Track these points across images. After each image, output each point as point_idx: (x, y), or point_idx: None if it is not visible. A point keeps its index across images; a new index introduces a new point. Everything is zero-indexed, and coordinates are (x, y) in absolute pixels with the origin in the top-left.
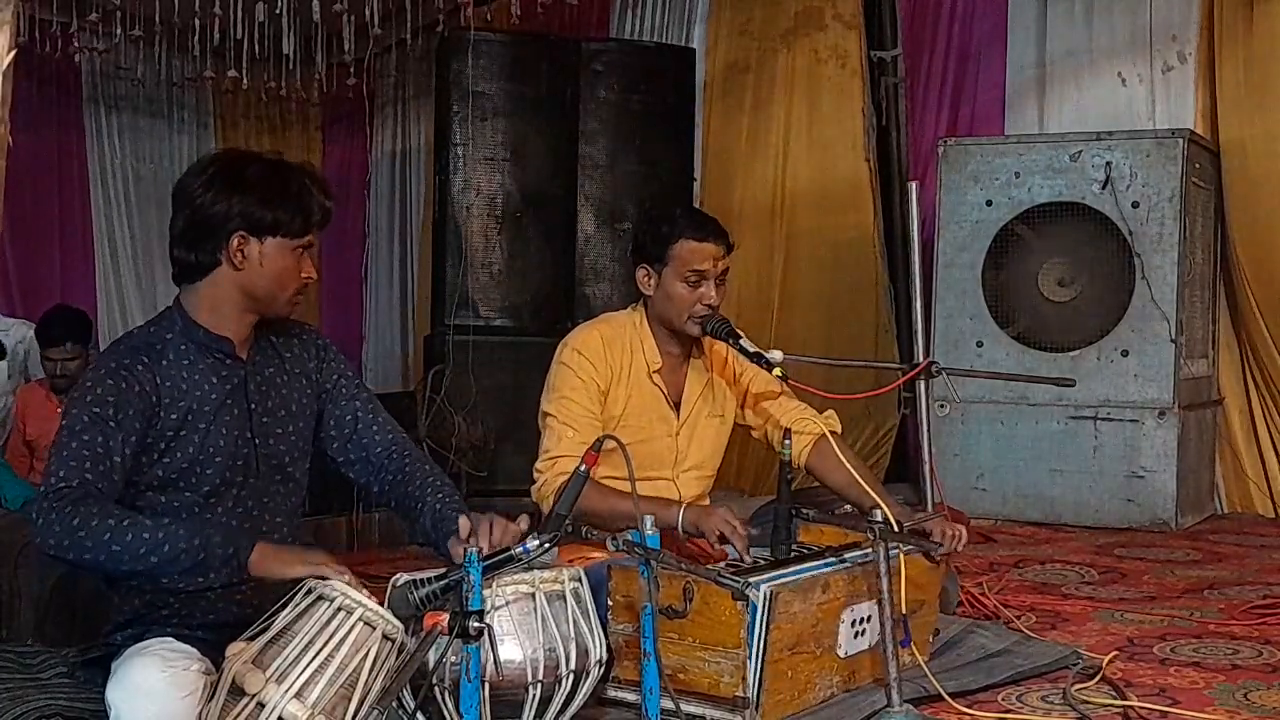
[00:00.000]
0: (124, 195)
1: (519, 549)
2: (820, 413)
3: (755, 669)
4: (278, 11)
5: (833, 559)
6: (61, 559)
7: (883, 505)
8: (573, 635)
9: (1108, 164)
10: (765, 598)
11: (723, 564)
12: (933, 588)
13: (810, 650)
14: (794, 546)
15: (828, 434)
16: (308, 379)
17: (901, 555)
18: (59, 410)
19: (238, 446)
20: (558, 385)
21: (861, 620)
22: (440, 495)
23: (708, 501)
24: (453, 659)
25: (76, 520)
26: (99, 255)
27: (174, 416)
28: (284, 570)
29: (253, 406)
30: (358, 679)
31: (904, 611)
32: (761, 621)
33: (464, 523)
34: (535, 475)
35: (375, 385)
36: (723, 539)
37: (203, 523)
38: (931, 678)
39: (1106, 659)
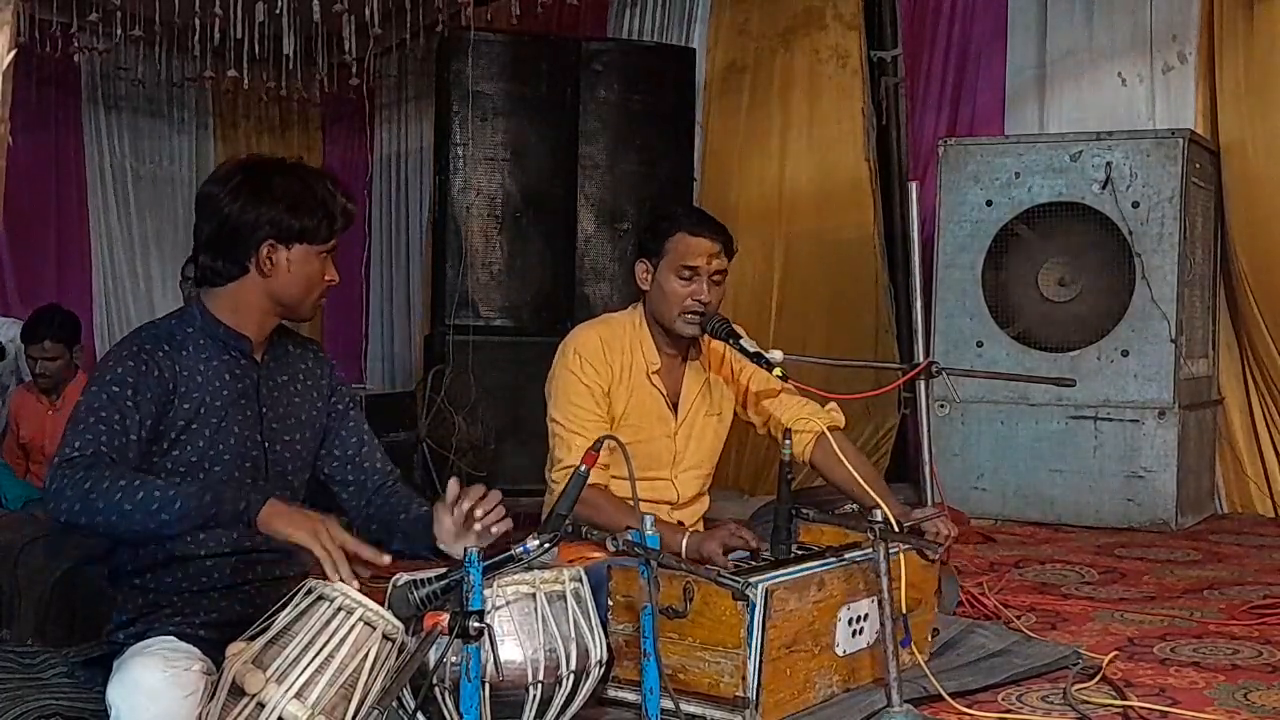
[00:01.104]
0: (122, 196)
1: (519, 549)
2: (823, 407)
3: (754, 667)
4: (278, 11)
5: (832, 559)
6: (74, 524)
7: (882, 504)
8: (573, 635)
9: (1108, 164)
10: (761, 595)
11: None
12: (929, 586)
13: (808, 648)
14: (795, 546)
15: (827, 431)
16: (319, 393)
17: (902, 555)
18: (50, 412)
19: (247, 448)
20: (562, 391)
21: (859, 619)
22: (425, 509)
23: (707, 500)
24: (453, 659)
25: (89, 484)
26: (96, 255)
27: (186, 407)
28: (289, 530)
29: (264, 410)
30: (358, 679)
31: (904, 611)
32: (759, 619)
33: (453, 484)
34: (551, 484)
35: (375, 385)
36: (728, 551)
37: (213, 479)
38: (931, 678)
39: (1106, 659)
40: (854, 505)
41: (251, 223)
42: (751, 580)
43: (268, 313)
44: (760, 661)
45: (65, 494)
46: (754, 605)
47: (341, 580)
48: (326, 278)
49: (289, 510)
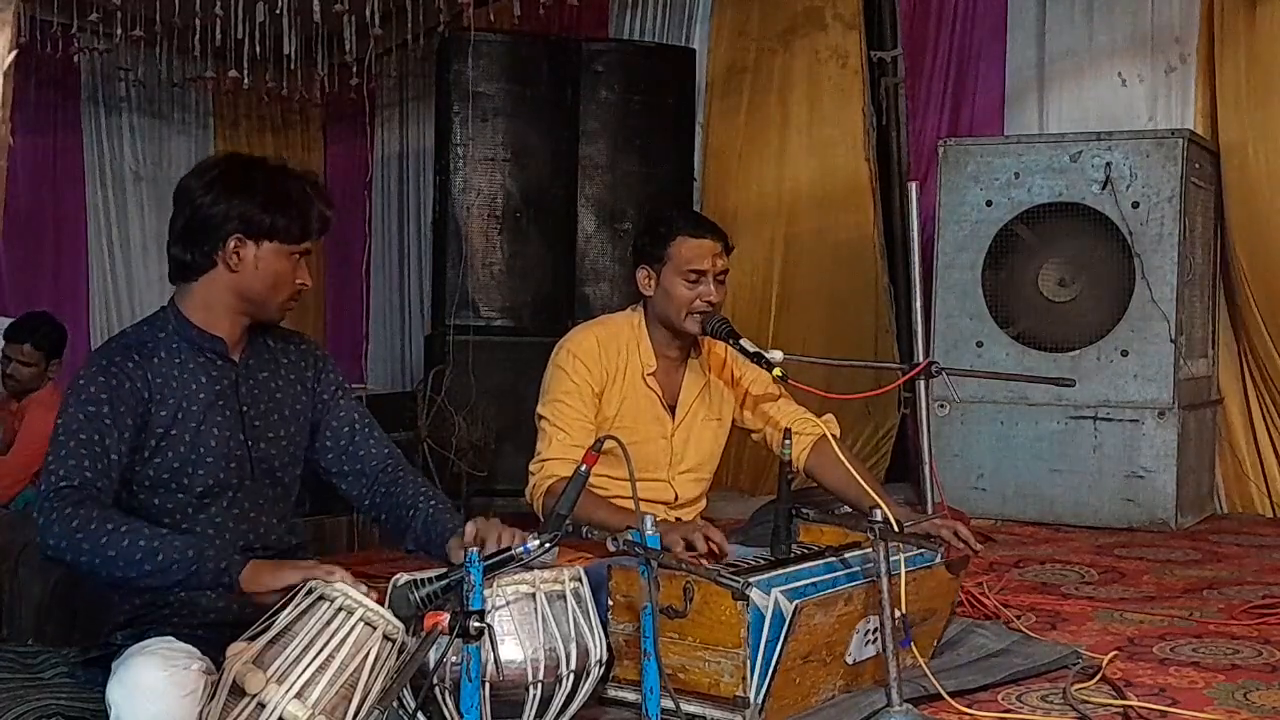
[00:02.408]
0: (121, 196)
1: (519, 549)
2: (819, 416)
3: (767, 677)
4: (278, 12)
5: (832, 560)
6: (59, 560)
7: (882, 505)
8: (573, 635)
9: (1108, 164)
10: (791, 611)
11: (723, 563)
12: (947, 598)
13: (822, 659)
14: (794, 546)
15: (828, 435)
16: (304, 386)
17: (932, 567)
18: (16, 414)
19: (230, 449)
20: (551, 388)
21: (874, 630)
22: (433, 503)
23: (704, 504)
24: (453, 659)
25: (76, 523)
26: (93, 256)
27: (164, 414)
28: (275, 581)
29: (244, 409)
30: (358, 679)
31: (904, 611)
32: (783, 633)
33: (470, 528)
34: (528, 476)
35: (377, 385)
36: (691, 546)
37: (199, 536)
38: (932, 677)
39: (1106, 659)
40: (850, 508)
41: (221, 215)
42: (751, 580)
43: (236, 311)
44: (774, 671)
45: (53, 529)
46: (782, 617)
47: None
48: (298, 280)
49: (272, 564)
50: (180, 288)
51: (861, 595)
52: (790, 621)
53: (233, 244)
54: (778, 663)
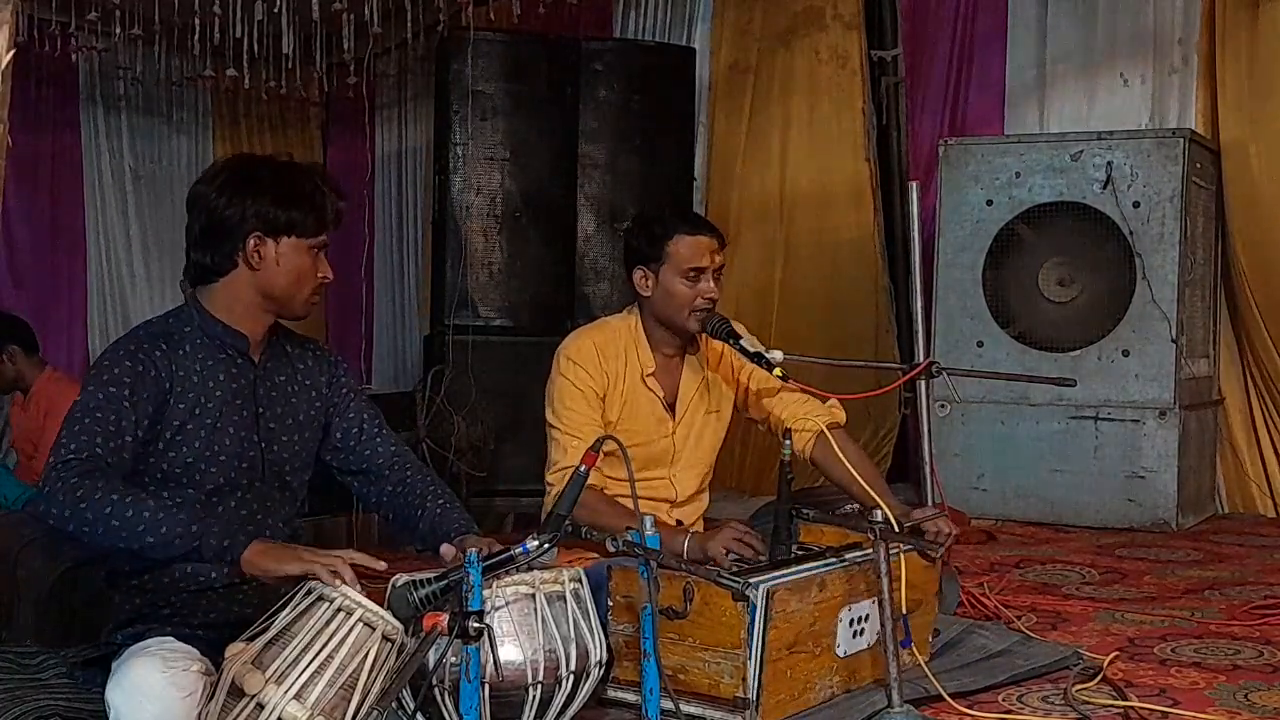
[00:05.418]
0: (120, 195)
1: (519, 549)
2: (824, 404)
3: (755, 669)
4: (277, 10)
5: (833, 559)
6: (62, 529)
7: (882, 505)
8: (573, 636)
9: (1108, 164)
10: (762, 597)
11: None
12: (929, 586)
13: (809, 650)
14: (795, 547)
15: (826, 430)
16: (317, 392)
17: (903, 555)
18: (24, 406)
19: (243, 448)
20: (558, 397)
21: (860, 619)
22: (440, 502)
23: (706, 498)
24: (452, 659)
25: (81, 492)
26: (93, 255)
27: (182, 407)
28: (278, 567)
29: (260, 409)
30: (357, 680)
31: (904, 611)
32: (760, 621)
33: (446, 549)
34: (547, 488)
35: (378, 385)
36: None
37: (206, 510)
38: (932, 678)
39: (1107, 659)
40: (854, 505)
41: (238, 216)
42: (752, 581)
43: (260, 309)
44: (761, 663)
45: (57, 499)
46: (755, 606)
47: (343, 582)
48: (319, 274)
49: (274, 547)
50: (201, 289)
51: (838, 581)
52: (763, 607)
53: (253, 243)
54: (763, 653)
